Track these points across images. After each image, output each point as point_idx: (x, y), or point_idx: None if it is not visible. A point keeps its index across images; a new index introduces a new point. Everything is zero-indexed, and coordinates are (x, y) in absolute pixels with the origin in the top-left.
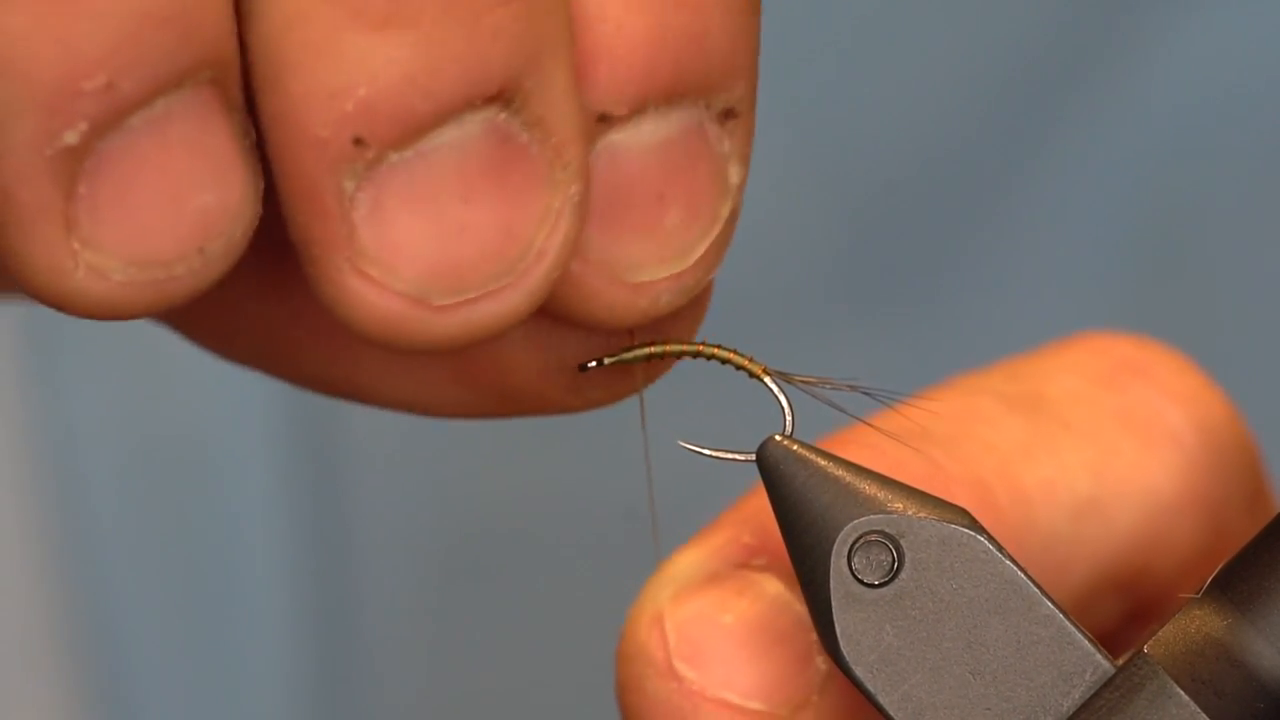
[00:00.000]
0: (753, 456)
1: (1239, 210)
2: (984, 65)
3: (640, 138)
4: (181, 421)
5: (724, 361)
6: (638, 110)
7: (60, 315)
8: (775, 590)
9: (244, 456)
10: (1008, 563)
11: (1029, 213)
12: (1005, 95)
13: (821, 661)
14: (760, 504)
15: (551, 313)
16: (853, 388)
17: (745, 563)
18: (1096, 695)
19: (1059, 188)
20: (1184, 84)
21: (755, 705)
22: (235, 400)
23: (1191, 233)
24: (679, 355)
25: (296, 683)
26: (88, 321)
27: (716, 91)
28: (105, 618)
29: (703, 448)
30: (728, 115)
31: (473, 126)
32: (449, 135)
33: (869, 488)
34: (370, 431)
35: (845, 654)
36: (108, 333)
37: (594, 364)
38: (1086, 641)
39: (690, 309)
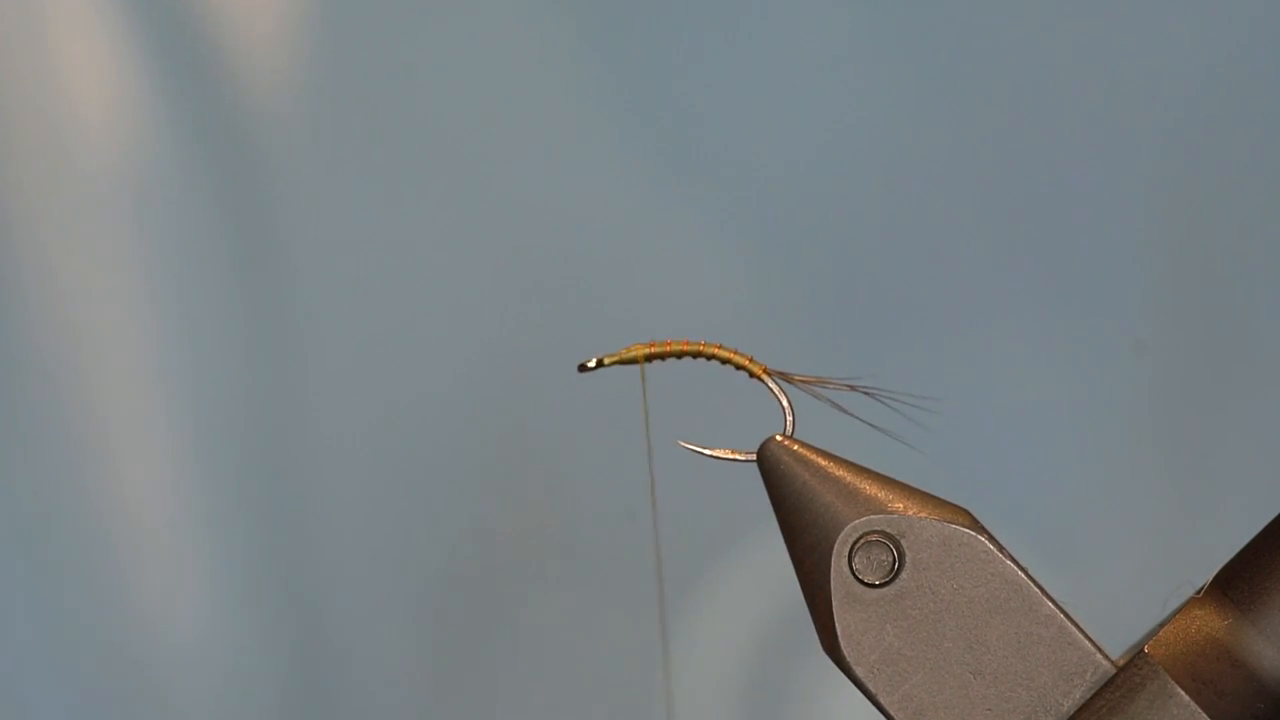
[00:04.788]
0: (753, 456)
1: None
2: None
3: None
4: None
5: (724, 361)
6: None
7: None
8: None
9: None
10: (1008, 563)
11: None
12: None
13: None
14: None
15: None
16: (853, 388)
17: None
18: (1097, 695)
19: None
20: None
21: None
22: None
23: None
24: (679, 355)
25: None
26: None
27: None
28: None
29: (703, 448)
30: None
31: None
32: None
33: (869, 488)
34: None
35: (846, 654)
36: None
37: (593, 363)
38: (1087, 641)
39: None
